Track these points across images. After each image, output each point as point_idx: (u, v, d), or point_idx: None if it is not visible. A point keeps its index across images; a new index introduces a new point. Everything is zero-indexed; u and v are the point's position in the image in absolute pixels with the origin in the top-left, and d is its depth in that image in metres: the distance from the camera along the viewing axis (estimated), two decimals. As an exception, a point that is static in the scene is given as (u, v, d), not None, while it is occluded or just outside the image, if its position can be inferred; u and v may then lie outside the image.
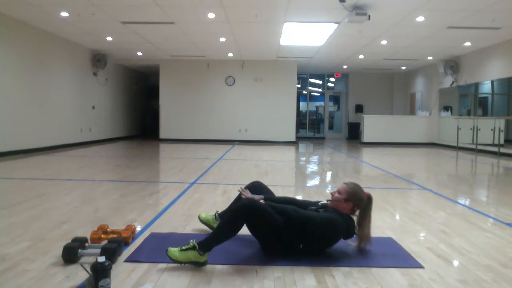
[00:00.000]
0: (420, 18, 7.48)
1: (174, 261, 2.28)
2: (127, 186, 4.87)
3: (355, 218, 2.58)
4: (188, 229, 3.06)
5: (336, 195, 2.55)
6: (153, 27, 8.56)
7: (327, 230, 2.43)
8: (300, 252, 2.46)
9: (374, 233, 2.80)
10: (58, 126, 9.77)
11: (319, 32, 8.76)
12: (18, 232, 2.91)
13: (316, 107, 17.45)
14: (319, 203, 2.66)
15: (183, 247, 2.30)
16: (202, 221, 2.99)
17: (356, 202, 2.53)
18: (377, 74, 15.69)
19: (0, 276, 2.12)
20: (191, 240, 2.31)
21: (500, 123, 9.62)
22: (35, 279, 2.09)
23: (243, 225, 2.40)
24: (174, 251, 2.29)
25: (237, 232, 2.39)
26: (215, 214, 3.00)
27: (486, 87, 10.89)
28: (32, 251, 2.50)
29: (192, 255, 2.28)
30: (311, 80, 16.72)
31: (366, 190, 2.62)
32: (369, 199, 2.58)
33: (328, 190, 4.91)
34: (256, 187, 2.94)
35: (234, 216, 2.38)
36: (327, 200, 2.62)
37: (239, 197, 2.92)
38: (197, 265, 2.30)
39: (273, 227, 2.40)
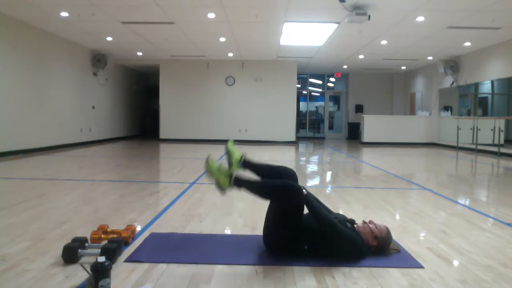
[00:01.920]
0: (420, 18, 7.48)
1: (207, 171, 2.38)
2: (127, 186, 4.87)
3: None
4: (188, 229, 3.06)
5: (373, 226, 2.56)
6: (153, 27, 8.56)
7: (344, 245, 2.44)
8: (303, 252, 2.46)
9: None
10: (58, 126, 9.77)
11: (319, 32, 8.76)
12: (18, 232, 2.91)
13: (316, 107, 17.45)
14: (348, 218, 2.66)
15: (223, 168, 2.41)
16: (228, 151, 2.69)
17: (381, 245, 2.55)
18: (377, 74, 15.69)
19: (0, 276, 2.12)
20: (233, 172, 2.45)
21: (500, 123, 9.62)
22: (35, 279, 2.09)
23: (280, 200, 2.42)
24: (213, 164, 2.38)
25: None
26: (241, 158, 2.67)
27: (486, 87, 10.89)
28: (32, 251, 2.50)
29: (224, 179, 2.39)
30: (311, 80, 16.72)
31: (394, 245, 2.61)
32: (389, 251, 2.58)
33: (328, 190, 4.91)
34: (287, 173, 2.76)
35: (276, 187, 2.40)
36: (364, 222, 2.62)
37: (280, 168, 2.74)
38: (219, 188, 2.40)
39: (295, 216, 2.42)
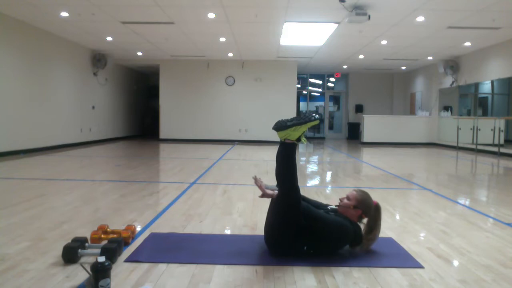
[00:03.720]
0: (420, 18, 7.48)
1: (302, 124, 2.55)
2: (127, 186, 4.87)
3: (362, 225, 2.57)
4: (188, 229, 3.06)
5: (345, 201, 2.54)
6: (153, 27, 8.56)
7: (335, 233, 2.42)
8: (303, 253, 2.46)
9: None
10: (58, 126, 9.77)
11: (319, 32, 8.76)
12: (18, 232, 2.91)
13: (316, 107, 17.45)
14: (329, 207, 2.65)
15: (302, 136, 2.57)
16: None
17: (365, 209, 2.52)
18: (377, 74, 15.69)
19: (0, 276, 2.12)
20: (301, 139, 2.58)
21: (500, 123, 9.62)
22: (35, 279, 2.09)
23: (282, 189, 2.43)
24: (302, 129, 2.55)
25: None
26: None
27: (486, 87, 10.89)
28: (32, 251, 2.50)
29: (296, 135, 2.53)
30: (311, 80, 16.72)
31: (374, 199, 2.60)
32: (377, 208, 2.55)
33: (328, 190, 4.91)
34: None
35: (292, 181, 2.42)
36: (336, 205, 2.61)
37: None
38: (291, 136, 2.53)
39: (294, 216, 2.42)
